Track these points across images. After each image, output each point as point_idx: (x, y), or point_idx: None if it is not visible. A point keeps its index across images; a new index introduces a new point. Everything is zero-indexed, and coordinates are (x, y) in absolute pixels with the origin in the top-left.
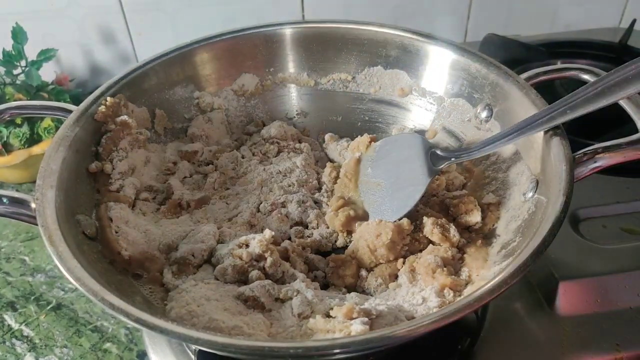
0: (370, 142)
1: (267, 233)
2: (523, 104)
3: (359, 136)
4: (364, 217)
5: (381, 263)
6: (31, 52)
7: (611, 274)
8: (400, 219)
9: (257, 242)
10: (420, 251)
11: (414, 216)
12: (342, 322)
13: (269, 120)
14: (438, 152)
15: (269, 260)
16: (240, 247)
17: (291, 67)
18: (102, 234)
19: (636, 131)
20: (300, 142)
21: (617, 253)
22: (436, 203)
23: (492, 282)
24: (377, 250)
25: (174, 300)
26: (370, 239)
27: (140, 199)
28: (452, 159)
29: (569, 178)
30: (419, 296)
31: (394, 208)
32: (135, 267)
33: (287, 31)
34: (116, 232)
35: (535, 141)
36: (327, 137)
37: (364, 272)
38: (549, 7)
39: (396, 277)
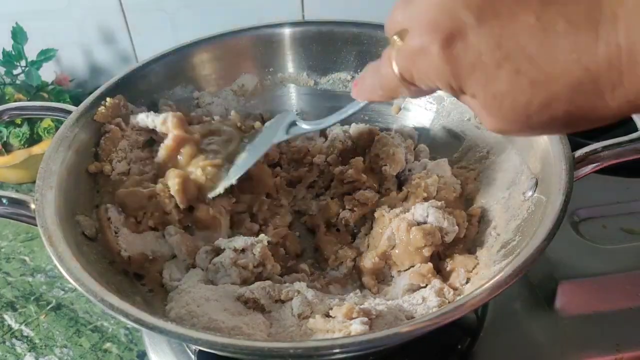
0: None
1: (264, 238)
2: None
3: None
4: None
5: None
6: (31, 52)
7: (611, 274)
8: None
9: (258, 250)
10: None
11: None
12: (341, 322)
13: (268, 116)
14: (298, 123)
15: (269, 267)
16: (237, 252)
17: (291, 67)
18: (102, 235)
19: (636, 130)
20: None
21: (617, 253)
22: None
23: (492, 282)
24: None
25: (173, 300)
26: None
27: None
28: (307, 130)
29: (569, 177)
30: (419, 296)
31: (236, 169)
32: (135, 267)
33: (287, 31)
34: (115, 233)
35: (535, 140)
36: None
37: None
38: None
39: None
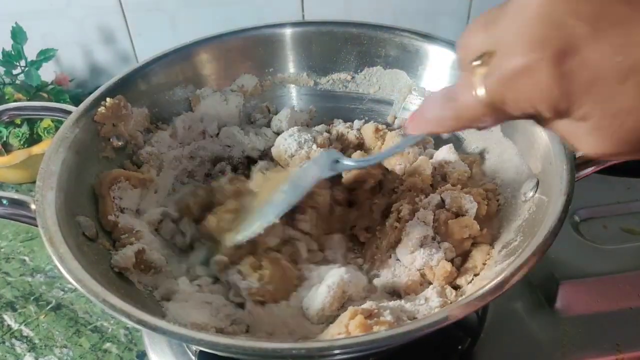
0: (375, 130)
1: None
2: None
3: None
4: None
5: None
6: (31, 52)
7: (611, 274)
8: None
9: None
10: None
11: None
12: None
13: (274, 108)
14: (342, 160)
15: None
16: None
17: (291, 67)
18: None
19: None
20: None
21: (617, 253)
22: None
23: (493, 282)
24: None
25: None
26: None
27: None
28: (353, 165)
29: (570, 177)
30: (422, 296)
31: (276, 208)
32: (117, 234)
33: (287, 31)
34: (113, 199)
35: (535, 140)
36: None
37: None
38: None
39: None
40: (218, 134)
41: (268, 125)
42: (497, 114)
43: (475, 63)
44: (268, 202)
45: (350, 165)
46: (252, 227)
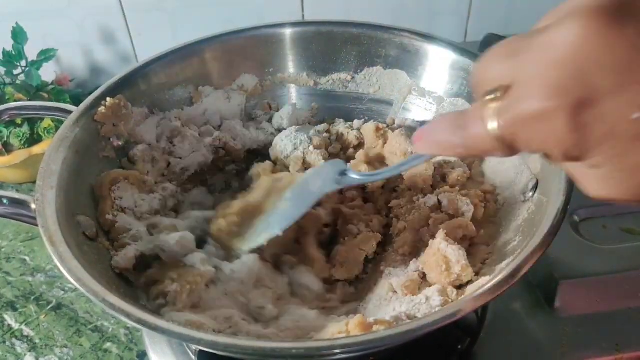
0: (376, 129)
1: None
2: None
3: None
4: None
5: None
6: (31, 52)
7: (611, 274)
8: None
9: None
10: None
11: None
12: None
13: (276, 105)
14: (349, 173)
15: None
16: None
17: (291, 67)
18: (102, 199)
19: None
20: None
21: (617, 253)
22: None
23: (492, 282)
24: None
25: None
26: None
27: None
28: (360, 180)
29: (569, 178)
30: (422, 295)
31: (280, 219)
32: (114, 235)
33: (287, 31)
34: (114, 199)
35: None
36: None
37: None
38: (548, 7)
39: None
40: (220, 126)
41: (269, 122)
42: (507, 149)
43: (489, 97)
44: (273, 210)
45: (356, 179)
46: (258, 238)
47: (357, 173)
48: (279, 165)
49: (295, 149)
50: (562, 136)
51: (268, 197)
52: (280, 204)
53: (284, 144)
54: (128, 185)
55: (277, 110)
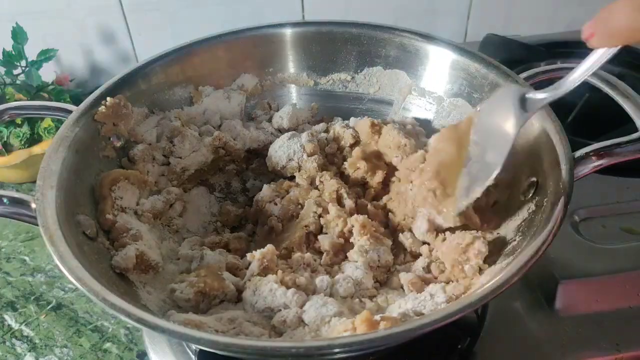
0: (371, 125)
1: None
2: None
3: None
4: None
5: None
6: (31, 52)
7: (611, 274)
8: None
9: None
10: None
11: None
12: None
13: (276, 105)
14: (529, 95)
15: None
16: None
17: (291, 67)
18: (102, 200)
19: (636, 131)
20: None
21: (617, 253)
22: None
23: (492, 282)
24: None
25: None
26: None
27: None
28: (547, 98)
29: (569, 178)
30: (427, 292)
31: (476, 181)
32: (115, 235)
33: (287, 31)
34: (114, 199)
35: (535, 140)
36: None
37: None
38: (549, 7)
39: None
40: (220, 125)
41: (269, 121)
42: None
43: None
44: (467, 159)
45: (543, 98)
46: (470, 193)
47: (540, 91)
48: (277, 176)
49: (290, 159)
50: None
51: (459, 148)
52: (473, 149)
53: (278, 156)
54: (128, 185)
55: (277, 110)
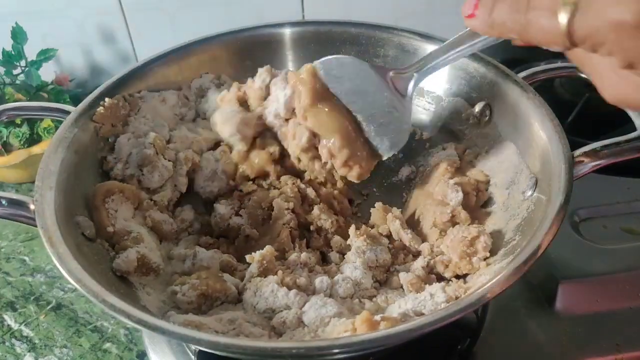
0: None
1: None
2: (522, 103)
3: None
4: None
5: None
6: (31, 52)
7: (611, 274)
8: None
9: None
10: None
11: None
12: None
13: None
14: (393, 73)
15: None
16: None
17: (290, 67)
18: (96, 213)
19: (634, 130)
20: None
21: (617, 253)
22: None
23: (492, 281)
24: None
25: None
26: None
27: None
28: (415, 75)
29: (568, 177)
30: (426, 292)
31: (387, 143)
32: (117, 239)
33: (287, 31)
34: (108, 210)
35: (534, 139)
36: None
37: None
38: None
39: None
40: (169, 140)
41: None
42: (569, 44)
43: None
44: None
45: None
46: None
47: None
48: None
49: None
50: (634, 47)
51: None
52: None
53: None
54: (123, 199)
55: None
